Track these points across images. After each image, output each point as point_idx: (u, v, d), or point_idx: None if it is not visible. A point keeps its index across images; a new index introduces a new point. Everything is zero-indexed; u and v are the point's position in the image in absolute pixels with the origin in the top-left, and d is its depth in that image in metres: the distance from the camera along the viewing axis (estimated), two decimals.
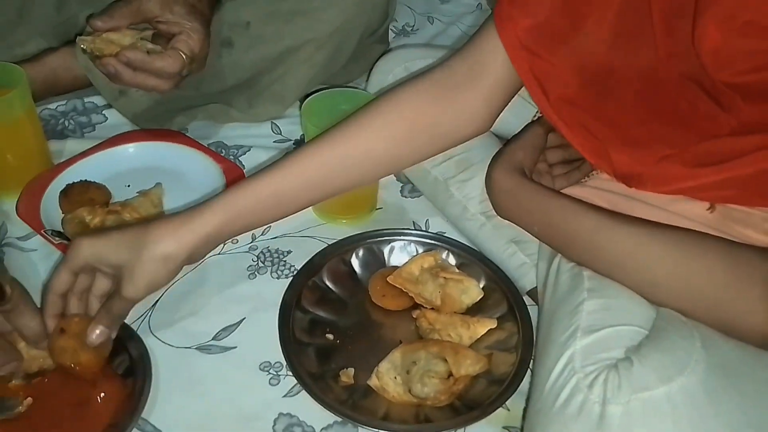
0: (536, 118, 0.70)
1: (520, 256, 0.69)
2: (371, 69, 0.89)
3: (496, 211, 0.66)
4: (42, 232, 0.71)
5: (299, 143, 0.87)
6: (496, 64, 0.61)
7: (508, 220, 0.65)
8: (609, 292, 0.53)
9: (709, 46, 0.48)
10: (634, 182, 0.60)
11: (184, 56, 0.74)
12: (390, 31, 1.03)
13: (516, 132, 0.68)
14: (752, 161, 0.50)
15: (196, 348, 0.63)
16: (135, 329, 0.63)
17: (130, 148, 0.81)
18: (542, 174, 0.67)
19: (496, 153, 0.67)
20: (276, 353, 0.61)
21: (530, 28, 0.58)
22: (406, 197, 0.81)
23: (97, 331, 0.56)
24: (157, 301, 0.67)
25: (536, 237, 0.63)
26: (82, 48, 0.73)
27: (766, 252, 0.48)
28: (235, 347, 0.64)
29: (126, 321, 0.63)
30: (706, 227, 0.54)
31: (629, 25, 0.55)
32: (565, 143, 0.66)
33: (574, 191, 0.64)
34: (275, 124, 0.91)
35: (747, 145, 0.50)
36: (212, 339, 0.64)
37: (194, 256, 0.59)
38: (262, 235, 0.74)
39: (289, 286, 0.66)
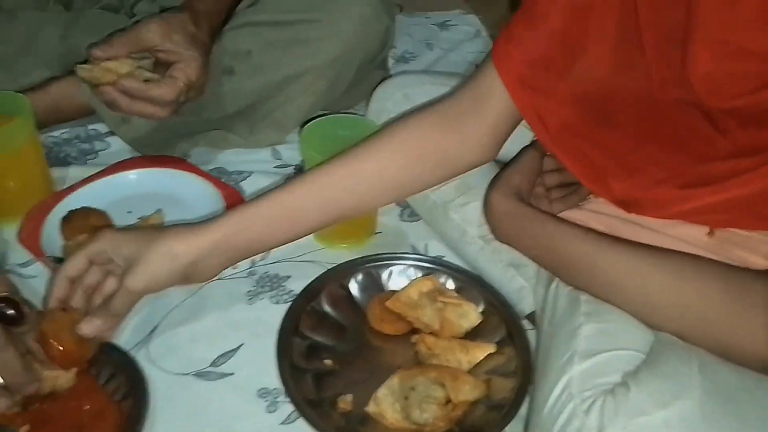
0: (532, 141, 0.71)
1: (518, 280, 0.69)
2: (371, 95, 0.90)
3: (494, 235, 0.66)
4: (43, 258, 0.71)
5: (300, 169, 0.88)
6: (498, 96, 0.62)
7: (507, 244, 0.65)
8: (606, 317, 0.53)
9: (700, 71, 0.48)
10: (632, 207, 0.60)
11: (181, 84, 0.75)
12: (390, 58, 1.05)
13: (513, 156, 0.69)
14: (746, 182, 0.50)
15: (193, 374, 0.63)
16: (133, 355, 0.63)
17: (132, 174, 0.82)
18: (540, 197, 0.67)
19: (494, 177, 0.67)
20: (274, 379, 0.61)
21: (528, 63, 0.60)
22: (405, 221, 0.81)
23: (92, 323, 0.56)
24: (156, 327, 0.67)
25: (534, 261, 0.63)
26: (81, 77, 0.74)
27: (763, 275, 0.48)
28: (233, 373, 0.63)
29: (124, 347, 0.63)
30: (705, 251, 0.54)
31: (625, 54, 0.55)
32: (562, 167, 0.66)
33: (571, 215, 0.64)
34: (276, 149, 0.91)
35: (741, 167, 0.50)
36: (210, 365, 0.64)
37: (200, 265, 0.59)
38: (261, 260, 0.74)
39: (287, 311, 0.66)
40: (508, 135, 0.66)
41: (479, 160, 0.67)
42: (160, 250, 0.57)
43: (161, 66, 0.78)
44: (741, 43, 0.46)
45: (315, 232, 0.67)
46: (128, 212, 0.78)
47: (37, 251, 0.72)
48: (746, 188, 0.51)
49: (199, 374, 0.63)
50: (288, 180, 0.63)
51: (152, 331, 0.66)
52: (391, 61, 1.07)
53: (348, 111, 0.95)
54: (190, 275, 0.59)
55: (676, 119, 0.55)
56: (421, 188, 0.68)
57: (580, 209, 0.66)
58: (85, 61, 0.76)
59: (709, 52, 0.47)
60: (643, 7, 0.52)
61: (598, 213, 0.64)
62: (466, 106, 0.64)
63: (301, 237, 0.64)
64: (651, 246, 0.54)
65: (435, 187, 0.70)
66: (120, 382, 0.60)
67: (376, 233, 0.79)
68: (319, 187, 0.62)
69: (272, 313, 0.67)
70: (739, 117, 0.50)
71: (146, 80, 0.74)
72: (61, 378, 0.57)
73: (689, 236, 0.58)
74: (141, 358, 0.63)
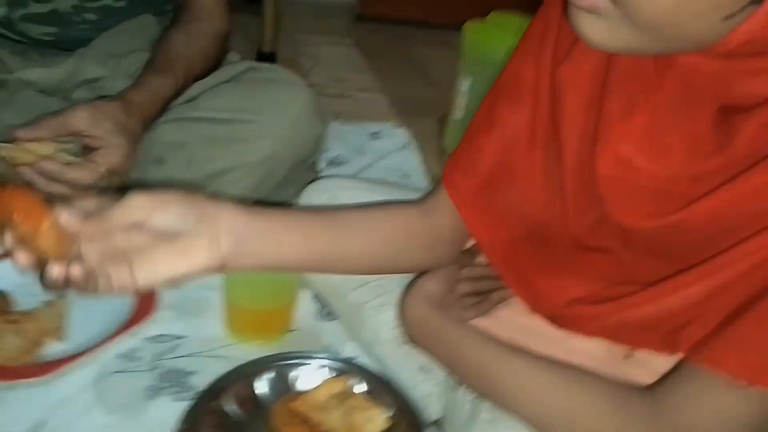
0: None
1: (427, 385, 0.69)
2: (299, 195, 0.92)
3: (407, 338, 0.67)
4: None
5: None
6: (450, 212, 0.66)
7: (418, 348, 0.66)
8: (505, 424, 0.53)
9: (602, 178, 0.52)
10: (559, 322, 0.63)
11: (101, 169, 0.75)
12: (322, 160, 1.09)
13: None
14: (635, 304, 0.53)
15: None
16: None
17: None
18: (452, 304, 0.69)
19: (410, 282, 0.69)
20: None
21: (472, 189, 0.64)
22: (321, 320, 0.81)
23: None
24: (46, 423, 0.62)
25: (442, 366, 0.64)
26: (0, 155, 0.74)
27: (650, 392, 0.51)
28: None
29: None
30: (599, 364, 0.57)
31: (550, 186, 0.59)
32: (475, 276, 0.69)
33: (480, 322, 0.66)
34: None
35: (633, 289, 0.53)
36: None
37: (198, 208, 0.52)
38: (167, 352, 0.72)
39: (185, 410, 0.63)
40: (465, 242, 0.69)
41: (447, 254, 0.69)
42: None
43: (88, 151, 0.78)
44: (631, 156, 0.50)
45: (315, 268, 0.65)
46: (33, 295, 0.75)
47: None
48: (637, 310, 0.54)
49: None
50: None
51: (41, 428, 0.62)
52: (323, 164, 1.11)
53: None
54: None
55: (593, 244, 0.58)
56: (399, 265, 0.68)
57: (488, 317, 0.68)
58: (12, 141, 0.76)
59: (608, 160, 0.51)
60: (565, 146, 0.56)
61: (506, 322, 0.66)
62: (432, 205, 0.68)
63: (303, 267, 0.62)
64: (548, 359, 0.55)
65: (351, 284, 0.72)
66: None
67: (291, 331, 0.79)
68: (307, 213, 0.62)
69: (172, 412, 0.64)
70: (642, 243, 0.53)
71: (68, 163, 0.74)
72: None
73: (588, 351, 0.60)
74: None
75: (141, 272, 0.49)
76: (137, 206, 0.50)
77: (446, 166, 0.67)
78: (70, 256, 0.48)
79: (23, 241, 0.48)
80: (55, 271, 0.48)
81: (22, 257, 0.48)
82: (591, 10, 0.42)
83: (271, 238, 0.57)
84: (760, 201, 0.44)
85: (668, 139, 0.49)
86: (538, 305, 0.64)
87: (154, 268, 0.50)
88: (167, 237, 0.50)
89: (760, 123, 0.44)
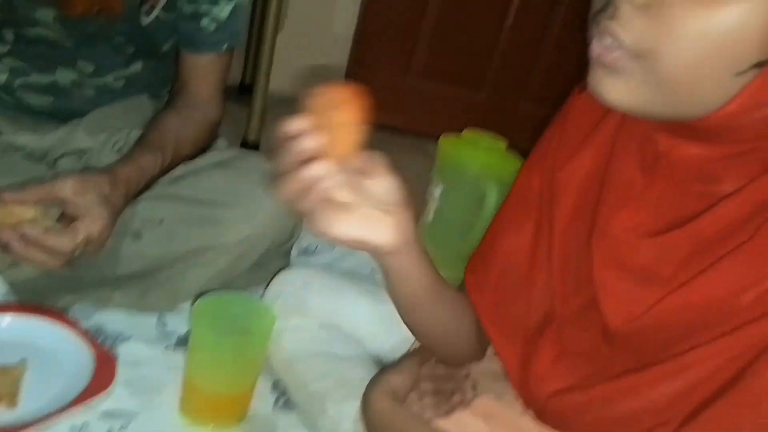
0: (414, 348, 0.76)
1: None
2: (271, 279, 0.93)
3: (367, 431, 0.67)
4: None
5: (183, 339, 0.87)
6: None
7: None
8: None
9: (596, 272, 0.55)
10: (543, 417, 0.63)
11: (79, 238, 0.76)
12: (294, 248, 1.11)
13: (392, 356, 0.73)
14: (607, 400, 0.54)
15: None
16: None
17: (3, 319, 0.78)
18: (413, 402, 0.70)
19: (375, 375, 0.70)
20: None
21: (488, 289, 0.67)
22: (278, 410, 0.80)
23: None
24: None
25: None
26: None
27: None
28: None
29: None
30: None
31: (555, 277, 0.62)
32: (437, 375, 0.71)
33: (439, 422, 0.67)
34: (162, 316, 0.90)
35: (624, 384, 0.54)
36: None
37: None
38: (119, 430, 0.70)
39: None
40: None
41: (474, 352, 0.70)
42: None
43: (67, 219, 0.79)
44: (627, 260, 0.53)
45: (407, 310, 0.63)
46: None
47: None
48: (612, 407, 0.55)
49: None
50: None
51: None
52: (294, 251, 1.13)
53: (244, 291, 0.97)
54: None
55: (575, 335, 0.61)
56: (458, 350, 0.69)
57: (447, 418, 0.69)
58: None
59: (601, 251, 0.54)
60: (555, 235, 0.60)
61: (466, 425, 0.67)
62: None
63: (405, 301, 0.61)
64: None
65: (313, 374, 0.72)
66: None
67: (246, 419, 0.77)
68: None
69: None
70: (621, 336, 0.55)
71: (47, 228, 0.75)
72: None
73: None
74: None
75: (336, 224, 0.50)
76: (378, 165, 0.52)
77: (466, 268, 0.70)
78: (347, 162, 0.50)
79: (327, 129, 0.48)
80: (324, 168, 0.49)
81: (317, 138, 0.49)
82: (612, 66, 0.46)
83: (415, 257, 0.57)
84: (727, 298, 0.47)
85: (655, 230, 0.52)
86: (528, 400, 0.64)
87: (346, 225, 0.50)
88: (369, 201, 0.51)
89: (729, 202, 0.48)
